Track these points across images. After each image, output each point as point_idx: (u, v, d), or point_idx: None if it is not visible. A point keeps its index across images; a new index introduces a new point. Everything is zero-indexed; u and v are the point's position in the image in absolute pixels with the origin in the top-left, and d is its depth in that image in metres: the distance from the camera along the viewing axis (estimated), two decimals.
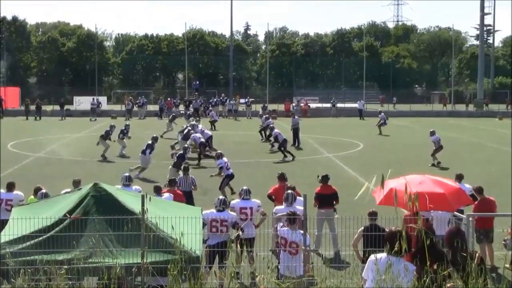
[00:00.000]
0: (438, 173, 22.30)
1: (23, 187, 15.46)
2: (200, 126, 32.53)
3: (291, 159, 29.25)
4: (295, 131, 35.83)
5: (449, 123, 46.74)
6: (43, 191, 13.48)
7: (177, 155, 23.10)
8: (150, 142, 25.64)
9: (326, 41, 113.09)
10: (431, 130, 29.16)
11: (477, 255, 7.65)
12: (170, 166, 21.78)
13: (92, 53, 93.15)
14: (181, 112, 63.20)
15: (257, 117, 63.21)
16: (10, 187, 14.12)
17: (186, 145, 26.00)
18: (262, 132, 38.26)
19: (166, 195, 14.15)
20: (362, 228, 11.09)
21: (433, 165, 27.27)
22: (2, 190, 14.08)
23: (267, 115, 41.56)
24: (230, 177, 20.61)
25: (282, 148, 29.96)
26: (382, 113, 46.39)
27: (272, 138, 32.48)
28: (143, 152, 25.00)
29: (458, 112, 69.54)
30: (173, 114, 43.80)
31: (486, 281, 7.01)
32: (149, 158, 25.02)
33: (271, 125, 34.30)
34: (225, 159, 20.95)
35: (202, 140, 28.46)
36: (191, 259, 8.35)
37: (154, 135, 27.29)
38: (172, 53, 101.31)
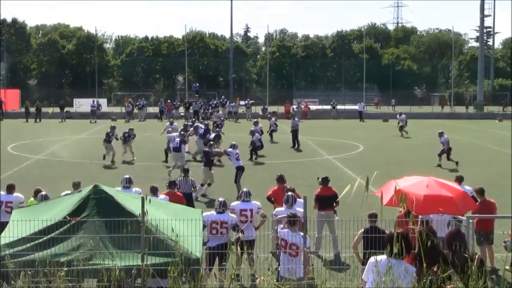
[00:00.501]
0: (440, 175, 22.27)
1: (23, 189, 15.46)
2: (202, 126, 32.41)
3: (253, 158, 29.95)
4: (294, 132, 35.78)
5: (449, 125, 46.78)
6: (43, 193, 13.47)
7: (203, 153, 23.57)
8: (179, 138, 25.80)
9: (326, 43, 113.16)
10: (440, 131, 29.07)
11: (477, 257, 7.66)
12: (202, 167, 22.12)
13: (92, 55, 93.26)
14: (180, 114, 63.37)
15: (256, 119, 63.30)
16: (10, 189, 14.12)
17: (211, 142, 25.92)
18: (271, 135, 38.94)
19: (161, 196, 14.12)
20: (362, 230, 11.10)
21: (438, 165, 27.36)
22: (2, 192, 14.08)
23: (256, 120, 40.09)
24: (241, 169, 21.27)
25: (253, 151, 30.32)
26: (403, 115, 45.62)
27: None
28: (178, 149, 25.24)
29: (458, 114, 69.52)
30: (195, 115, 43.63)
31: (486, 283, 7.01)
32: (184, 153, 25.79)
33: (252, 129, 32.48)
34: (237, 150, 21.69)
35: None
36: (191, 261, 8.35)
37: (181, 132, 27.72)
38: (172, 55, 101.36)
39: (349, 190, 6.71)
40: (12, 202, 13.66)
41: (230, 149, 21.84)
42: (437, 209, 11.15)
